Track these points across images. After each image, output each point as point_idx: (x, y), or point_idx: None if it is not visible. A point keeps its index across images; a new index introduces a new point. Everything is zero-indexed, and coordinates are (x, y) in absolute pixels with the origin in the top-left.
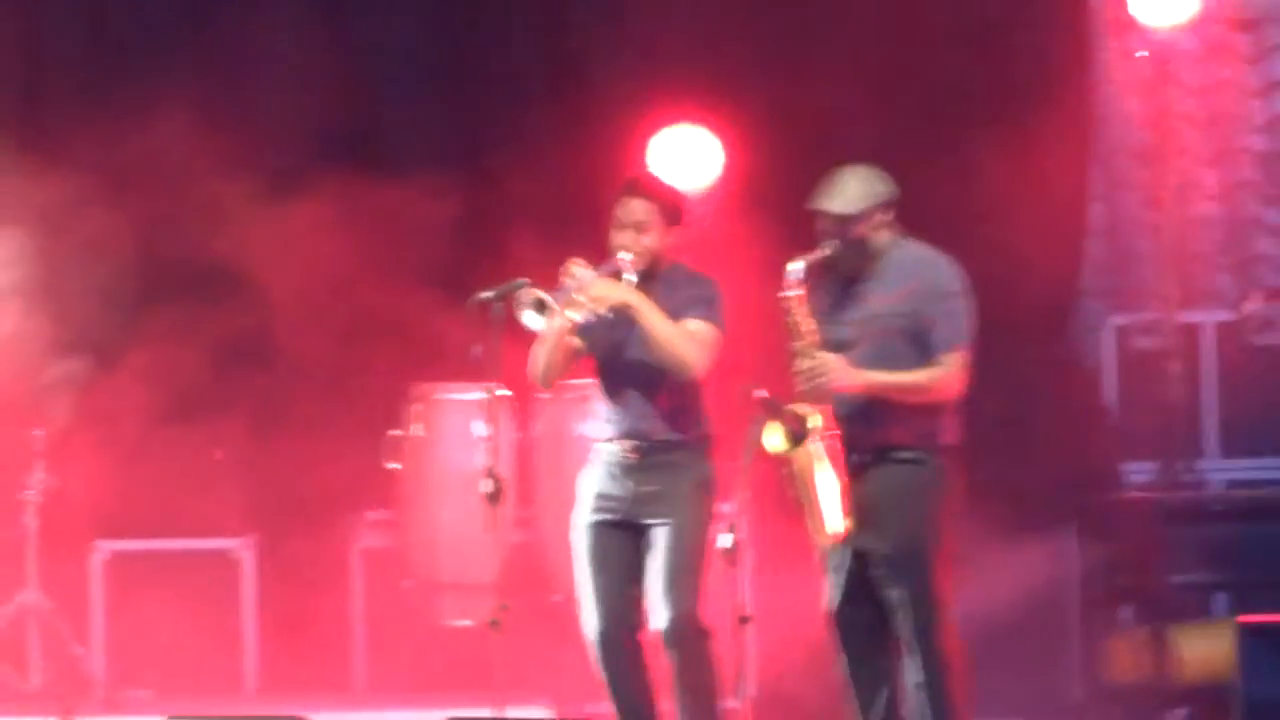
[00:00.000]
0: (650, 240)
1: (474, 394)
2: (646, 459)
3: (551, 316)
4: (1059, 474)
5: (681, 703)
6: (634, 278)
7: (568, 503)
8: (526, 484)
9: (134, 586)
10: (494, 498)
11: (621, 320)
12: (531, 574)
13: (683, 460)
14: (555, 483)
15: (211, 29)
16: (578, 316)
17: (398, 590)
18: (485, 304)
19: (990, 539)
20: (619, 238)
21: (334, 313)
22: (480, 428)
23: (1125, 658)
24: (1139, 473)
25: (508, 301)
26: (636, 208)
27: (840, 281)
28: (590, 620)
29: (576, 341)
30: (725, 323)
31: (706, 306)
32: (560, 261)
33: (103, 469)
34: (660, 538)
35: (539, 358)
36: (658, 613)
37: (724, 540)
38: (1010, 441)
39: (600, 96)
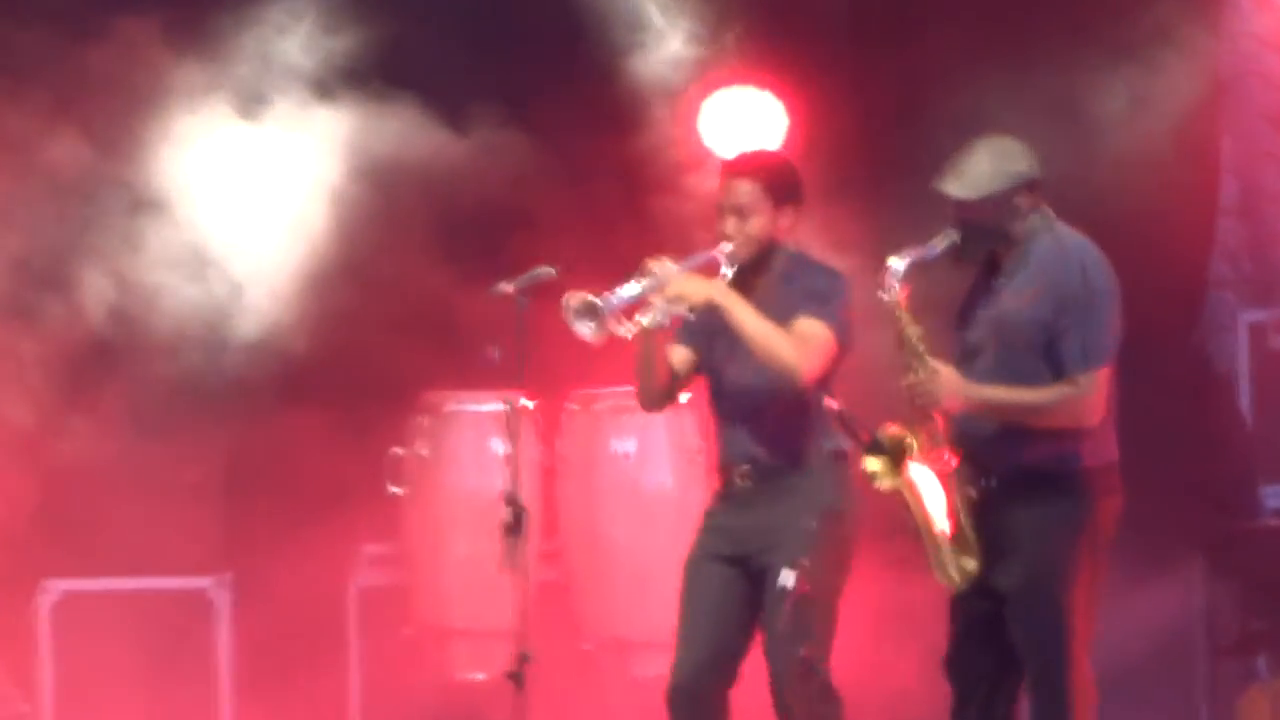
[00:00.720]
0: (756, 226)
1: (491, 405)
2: (758, 488)
3: (608, 322)
4: (1184, 497)
5: None
6: (729, 272)
7: (599, 534)
8: (551, 512)
9: (87, 632)
10: (513, 528)
11: (722, 326)
12: (558, 619)
13: (801, 486)
14: (585, 510)
15: None
16: (649, 322)
17: (400, 637)
18: (507, 297)
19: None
20: (721, 225)
21: (327, 303)
22: (498, 445)
23: (1260, 715)
24: (1278, 497)
25: (532, 295)
26: (738, 189)
27: (983, 274)
28: (672, 673)
29: (686, 352)
30: (849, 323)
31: (820, 302)
32: (599, 240)
33: (51, 496)
34: (777, 580)
35: (639, 380)
36: (772, 666)
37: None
38: (1127, 458)
39: (649, 57)
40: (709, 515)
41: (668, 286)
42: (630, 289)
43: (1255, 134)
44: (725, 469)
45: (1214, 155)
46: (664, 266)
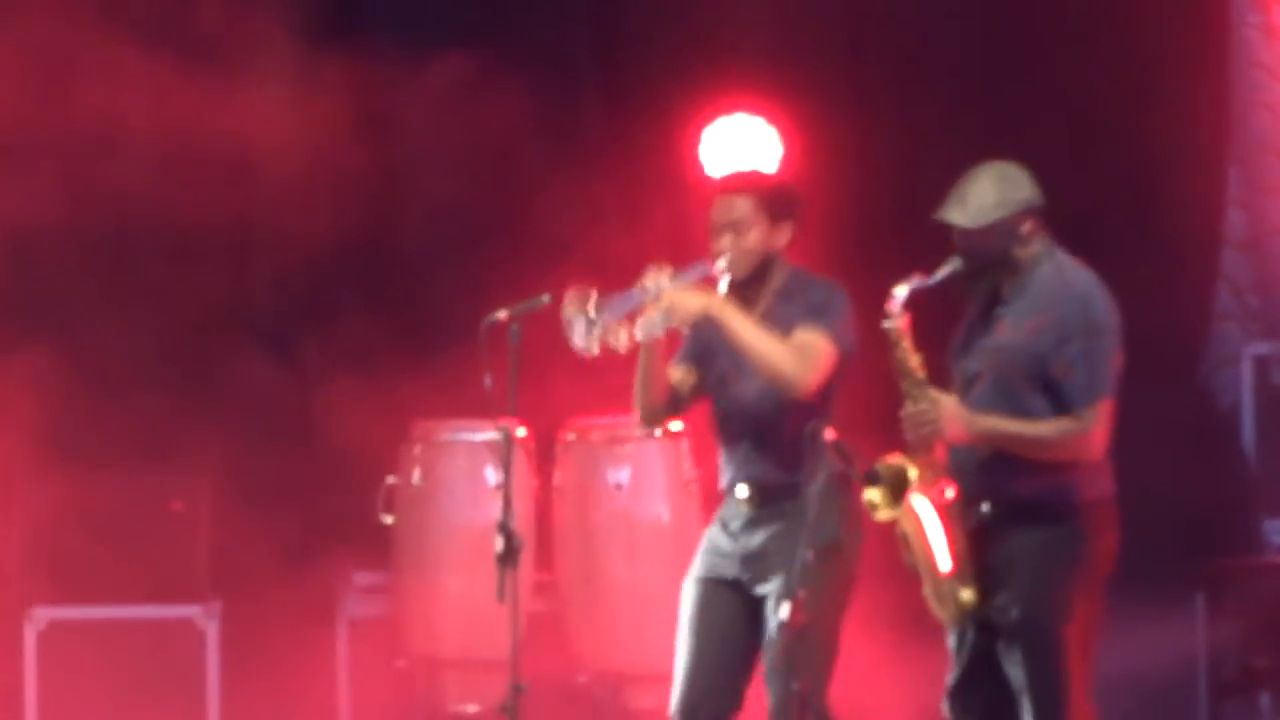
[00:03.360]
0: (752, 241)
1: (484, 434)
2: (762, 511)
3: (600, 331)
4: (1185, 533)
5: None
6: (725, 285)
7: (594, 565)
8: (546, 543)
9: (75, 661)
10: (506, 559)
11: (726, 344)
12: (552, 651)
13: (805, 513)
14: (580, 541)
15: None
16: (642, 334)
17: (391, 669)
18: (500, 326)
19: (1104, 611)
20: (715, 243)
21: (319, 325)
22: (491, 475)
23: None
24: None
25: (526, 323)
26: (733, 205)
27: (983, 303)
28: (675, 695)
29: (684, 372)
30: (849, 338)
31: (819, 315)
32: (602, 263)
33: (37, 522)
34: (774, 612)
35: (638, 396)
36: (770, 698)
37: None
38: (1126, 493)
39: (650, 81)
40: (710, 537)
41: (663, 297)
42: (627, 299)
43: (1263, 166)
44: (727, 491)
45: (1220, 186)
46: (660, 277)
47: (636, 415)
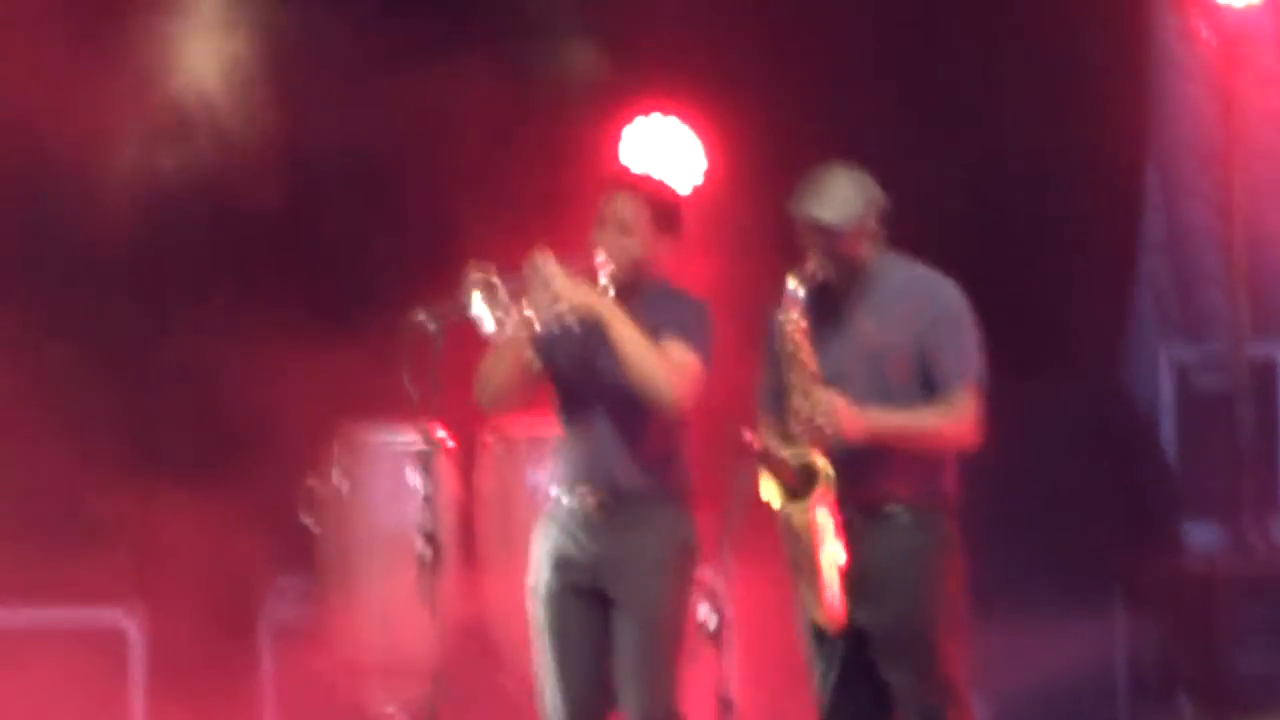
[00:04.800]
0: (634, 245)
1: (407, 439)
2: (614, 515)
3: (500, 308)
4: (1104, 536)
5: None
6: (608, 284)
7: (519, 569)
8: (470, 547)
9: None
10: (429, 563)
11: (591, 335)
12: (476, 654)
13: (659, 517)
14: (504, 546)
15: None
16: (534, 316)
17: (314, 673)
18: (421, 328)
19: (1022, 614)
20: (598, 235)
21: (243, 325)
22: (415, 479)
23: None
24: (1201, 536)
25: (447, 326)
26: (623, 204)
27: (823, 303)
28: (551, 707)
29: (534, 359)
30: (713, 354)
31: (688, 330)
32: (520, 262)
33: None
34: (630, 615)
35: (488, 370)
36: (627, 700)
37: (703, 614)
38: (1046, 498)
39: (568, 81)
40: (547, 543)
41: (553, 285)
42: (518, 280)
43: (1181, 169)
44: (567, 487)
45: (1139, 189)
46: (549, 264)
47: (481, 396)
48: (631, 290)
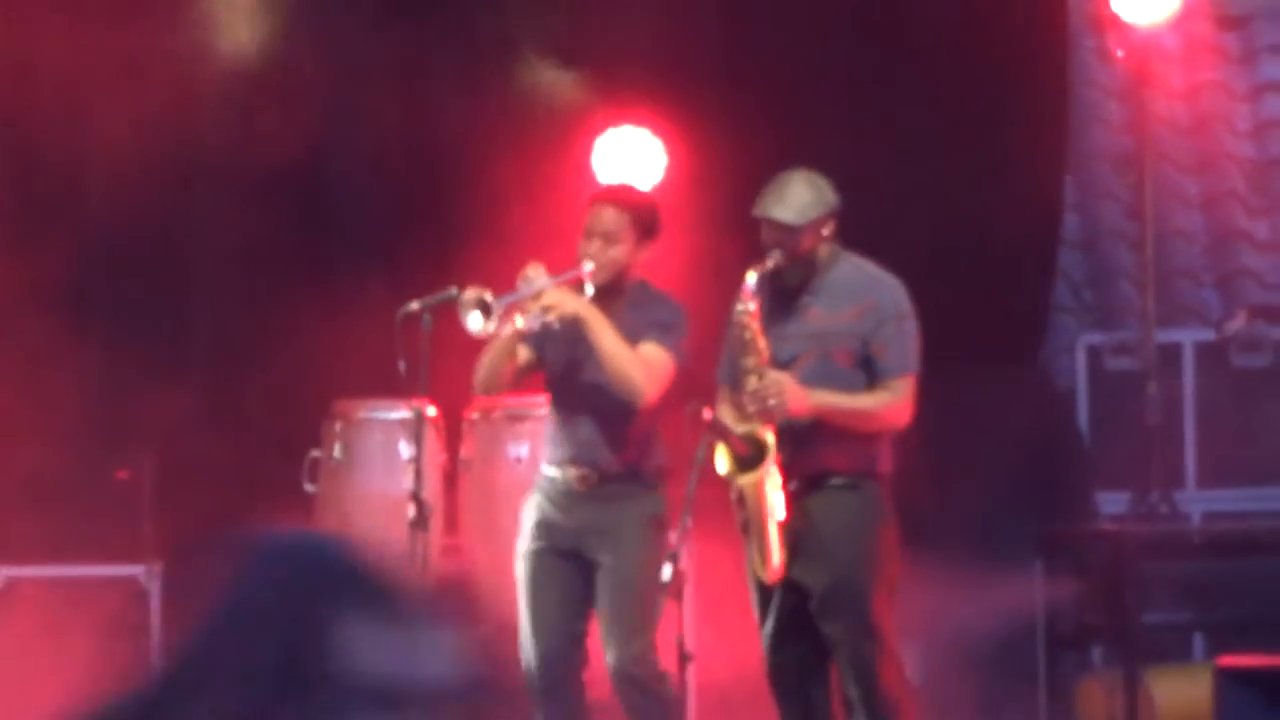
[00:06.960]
0: (618, 253)
1: (398, 413)
2: (596, 490)
3: (495, 320)
4: (1024, 504)
5: None
6: (592, 290)
7: (497, 531)
8: (453, 510)
9: (17, 620)
10: (418, 524)
11: (580, 336)
12: (458, 607)
13: (635, 494)
14: (484, 509)
15: None
16: (524, 324)
17: None
18: (413, 316)
19: (949, 574)
20: (585, 246)
21: (252, 312)
22: (404, 449)
23: (1095, 702)
24: (1112, 503)
25: (436, 314)
26: (607, 216)
27: (779, 295)
28: (529, 655)
29: (527, 353)
30: (685, 353)
31: (665, 332)
32: (495, 269)
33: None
34: (610, 575)
35: (484, 362)
36: (610, 653)
37: (665, 572)
38: (971, 468)
39: (540, 94)
40: (534, 513)
41: (544, 296)
42: (513, 293)
43: (1097, 175)
44: (557, 465)
45: (1059, 192)
46: (541, 276)
47: (476, 382)
48: (615, 292)
